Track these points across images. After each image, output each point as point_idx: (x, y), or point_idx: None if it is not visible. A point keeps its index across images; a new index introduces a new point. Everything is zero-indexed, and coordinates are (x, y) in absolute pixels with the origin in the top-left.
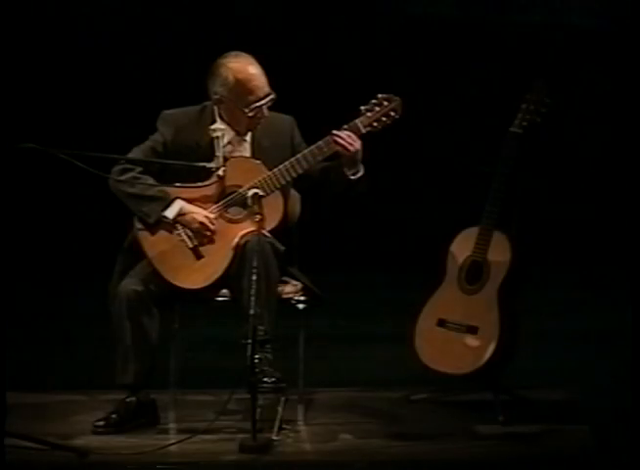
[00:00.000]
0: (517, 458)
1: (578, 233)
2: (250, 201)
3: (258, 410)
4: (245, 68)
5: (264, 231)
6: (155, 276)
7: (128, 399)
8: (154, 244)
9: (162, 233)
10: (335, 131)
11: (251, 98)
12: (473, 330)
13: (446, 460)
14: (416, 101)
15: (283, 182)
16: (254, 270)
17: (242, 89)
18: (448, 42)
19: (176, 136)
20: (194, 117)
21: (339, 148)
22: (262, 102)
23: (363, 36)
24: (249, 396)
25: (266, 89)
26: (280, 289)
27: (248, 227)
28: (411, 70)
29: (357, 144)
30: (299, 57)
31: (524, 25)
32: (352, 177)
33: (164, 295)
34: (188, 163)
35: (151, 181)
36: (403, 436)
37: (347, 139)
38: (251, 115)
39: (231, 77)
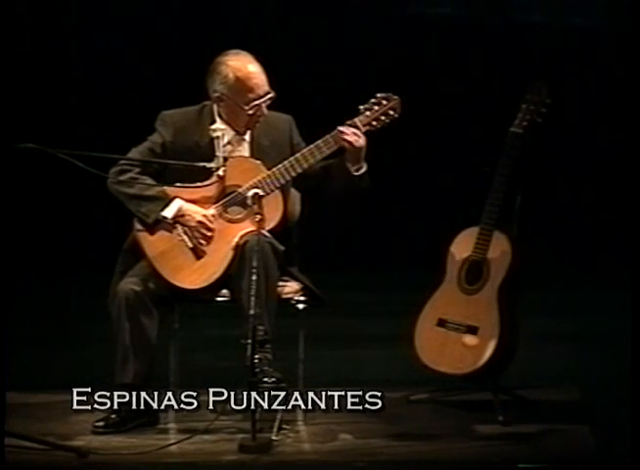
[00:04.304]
0: (517, 458)
1: (578, 233)
2: (249, 201)
3: (258, 410)
4: (244, 65)
5: (264, 231)
6: (154, 276)
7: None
8: (153, 244)
9: (162, 233)
10: (340, 127)
11: (251, 96)
12: (473, 330)
13: (446, 460)
14: (415, 101)
15: (282, 182)
16: (254, 270)
17: (242, 87)
18: (448, 42)
19: (175, 137)
20: (193, 117)
21: (344, 143)
22: (262, 100)
23: (363, 36)
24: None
25: (266, 87)
26: (280, 289)
27: (247, 227)
28: (410, 70)
29: (362, 140)
30: (299, 56)
31: (524, 25)
32: (356, 173)
33: (164, 295)
34: (188, 163)
35: (149, 181)
36: (403, 436)
37: (353, 135)
38: (250, 112)
39: (231, 75)
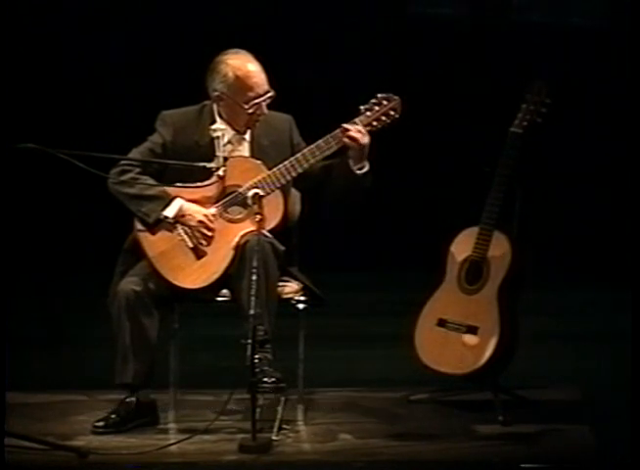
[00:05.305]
0: (517, 458)
1: (578, 233)
2: (250, 201)
3: (258, 410)
4: (244, 64)
5: (264, 231)
6: (154, 276)
7: (128, 400)
8: (154, 244)
9: (163, 233)
10: (345, 124)
11: (251, 95)
12: (473, 330)
13: (446, 460)
14: (416, 101)
15: (283, 182)
16: (254, 270)
17: (241, 85)
18: (448, 42)
19: (175, 137)
20: (193, 117)
21: (348, 141)
22: (262, 99)
23: (363, 36)
24: (249, 396)
25: (266, 86)
26: (280, 289)
27: (248, 227)
28: (411, 70)
29: (367, 138)
30: (299, 56)
31: (524, 25)
32: (359, 172)
33: (164, 295)
34: (188, 163)
35: (150, 181)
36: (403, 436)
37: (358, 132)
38: (250, 111)
39: (231, 74)
